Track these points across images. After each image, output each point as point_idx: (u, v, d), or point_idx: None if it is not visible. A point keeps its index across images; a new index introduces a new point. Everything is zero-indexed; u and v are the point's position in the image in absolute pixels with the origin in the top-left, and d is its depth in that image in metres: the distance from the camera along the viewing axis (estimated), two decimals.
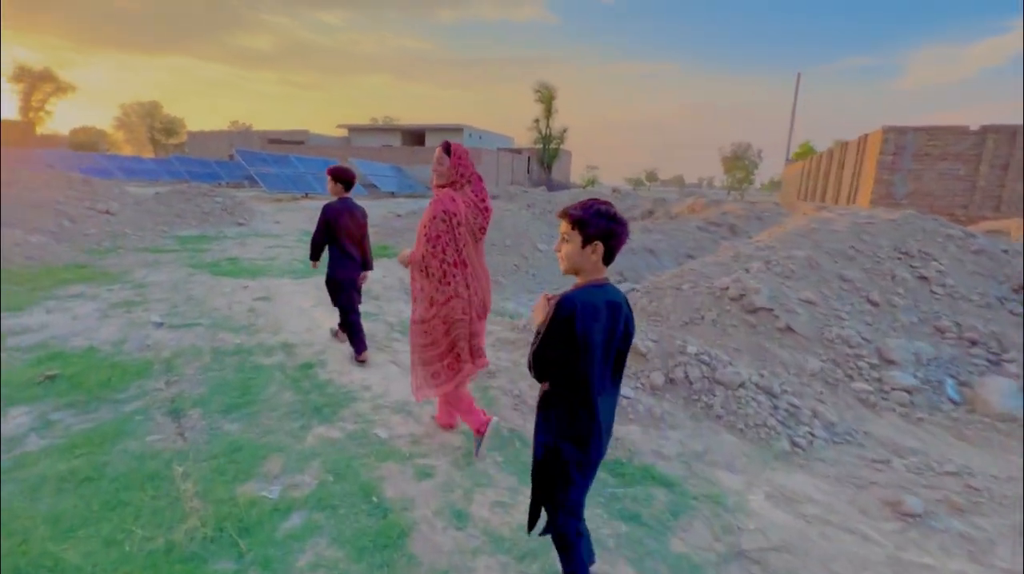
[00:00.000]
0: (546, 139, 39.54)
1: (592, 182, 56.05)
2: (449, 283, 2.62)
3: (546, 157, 40.04)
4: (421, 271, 2.67)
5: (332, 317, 4.70)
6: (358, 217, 4.00)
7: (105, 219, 10.51)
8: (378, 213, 17.52)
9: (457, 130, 40.71)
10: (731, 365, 3.67)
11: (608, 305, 1.55)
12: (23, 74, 45.24)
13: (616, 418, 1.89)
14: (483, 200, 2.68)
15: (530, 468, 1.76)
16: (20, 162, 24.07)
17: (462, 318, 2.66)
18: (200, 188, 14.47)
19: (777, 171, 55.10)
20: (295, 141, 44.43)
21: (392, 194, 27.30)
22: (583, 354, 1.51)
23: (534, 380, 1.90)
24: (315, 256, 4.11)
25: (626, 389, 3.46)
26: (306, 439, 2.92)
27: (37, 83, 45.97)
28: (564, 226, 1.57)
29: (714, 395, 3.50)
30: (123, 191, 13.24)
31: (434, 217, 2.59)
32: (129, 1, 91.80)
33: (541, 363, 1.58)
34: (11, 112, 44.81)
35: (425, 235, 2.61)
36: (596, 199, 1.57)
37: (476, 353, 2.77)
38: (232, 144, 44.04)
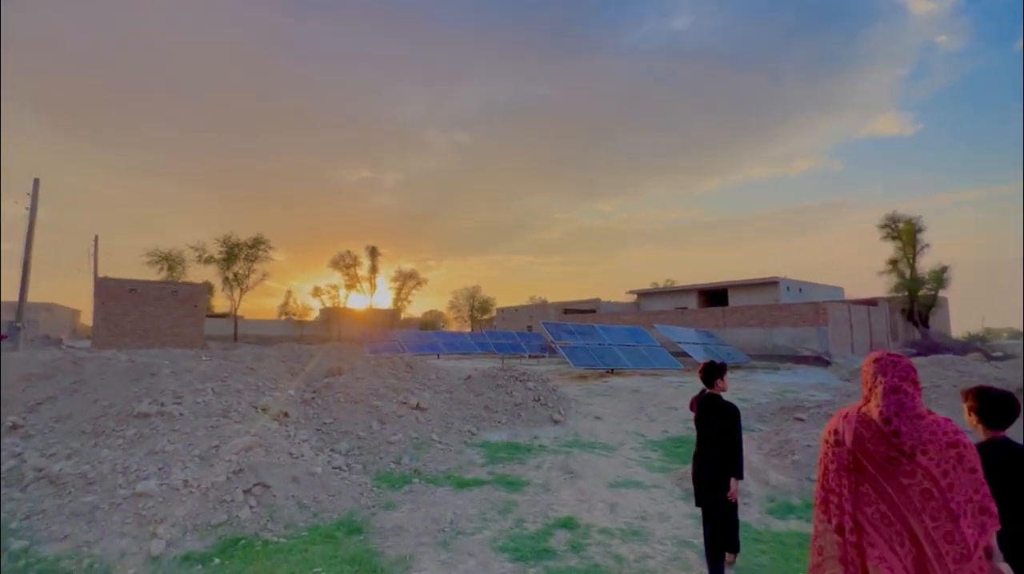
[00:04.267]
0: (912, 284, 28.48)
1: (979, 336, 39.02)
2: (824, 511, 2.04)
3: (918, 307, 28.55)
4: None
5: None
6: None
7: (414, 417, 8.47)
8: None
9: (771, 284, 34.04)
10: None
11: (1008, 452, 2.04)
12: (399, 276, 61.45)
13: None
14: (889, 421, 1.85)
15: None
16: (373, 341, 29.07)
17: (829, 558, 1.97)
18: (510, 371, 12.60)
19: None
20: (587, 310, 45.12)
21: None
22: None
23: None
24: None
25: None
26: None
27: (406, 281, 61.52)
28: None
29: None
30: (439, 376, 11.98)
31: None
32: (469, 223, 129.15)
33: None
34: (387, 302, 60.59)
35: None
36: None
37: None
38: (531, 316, 47.54)
